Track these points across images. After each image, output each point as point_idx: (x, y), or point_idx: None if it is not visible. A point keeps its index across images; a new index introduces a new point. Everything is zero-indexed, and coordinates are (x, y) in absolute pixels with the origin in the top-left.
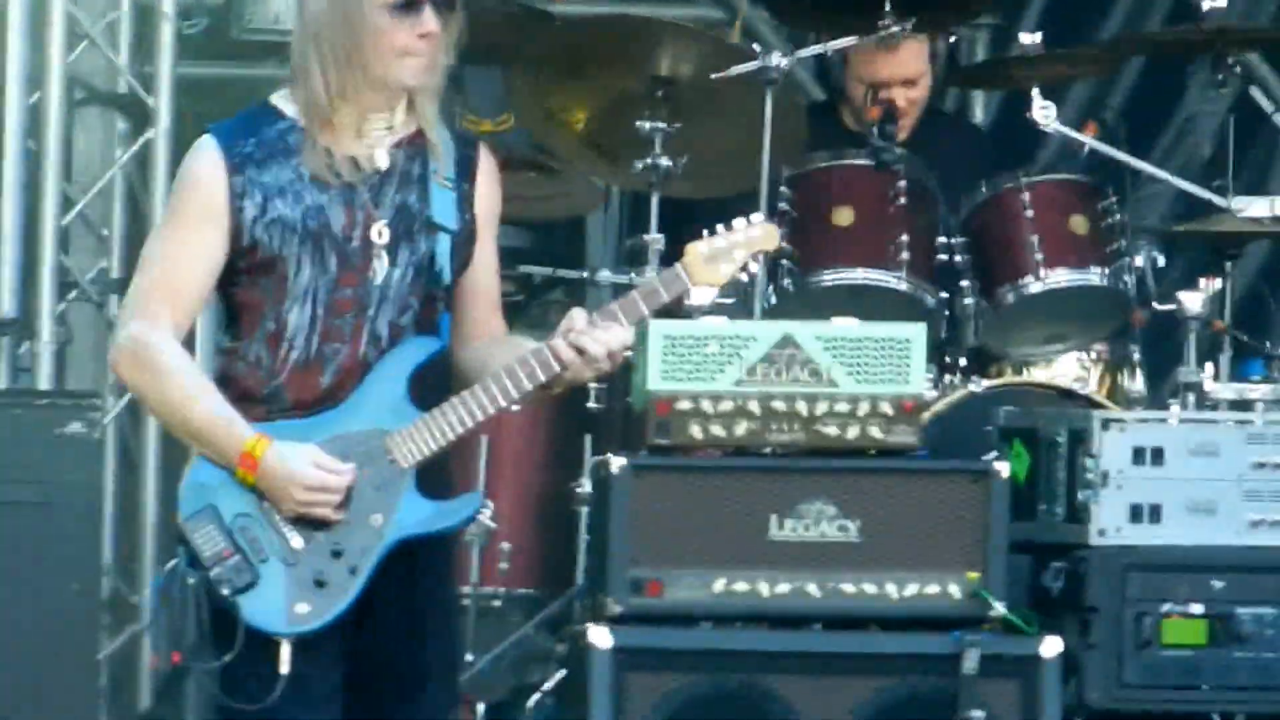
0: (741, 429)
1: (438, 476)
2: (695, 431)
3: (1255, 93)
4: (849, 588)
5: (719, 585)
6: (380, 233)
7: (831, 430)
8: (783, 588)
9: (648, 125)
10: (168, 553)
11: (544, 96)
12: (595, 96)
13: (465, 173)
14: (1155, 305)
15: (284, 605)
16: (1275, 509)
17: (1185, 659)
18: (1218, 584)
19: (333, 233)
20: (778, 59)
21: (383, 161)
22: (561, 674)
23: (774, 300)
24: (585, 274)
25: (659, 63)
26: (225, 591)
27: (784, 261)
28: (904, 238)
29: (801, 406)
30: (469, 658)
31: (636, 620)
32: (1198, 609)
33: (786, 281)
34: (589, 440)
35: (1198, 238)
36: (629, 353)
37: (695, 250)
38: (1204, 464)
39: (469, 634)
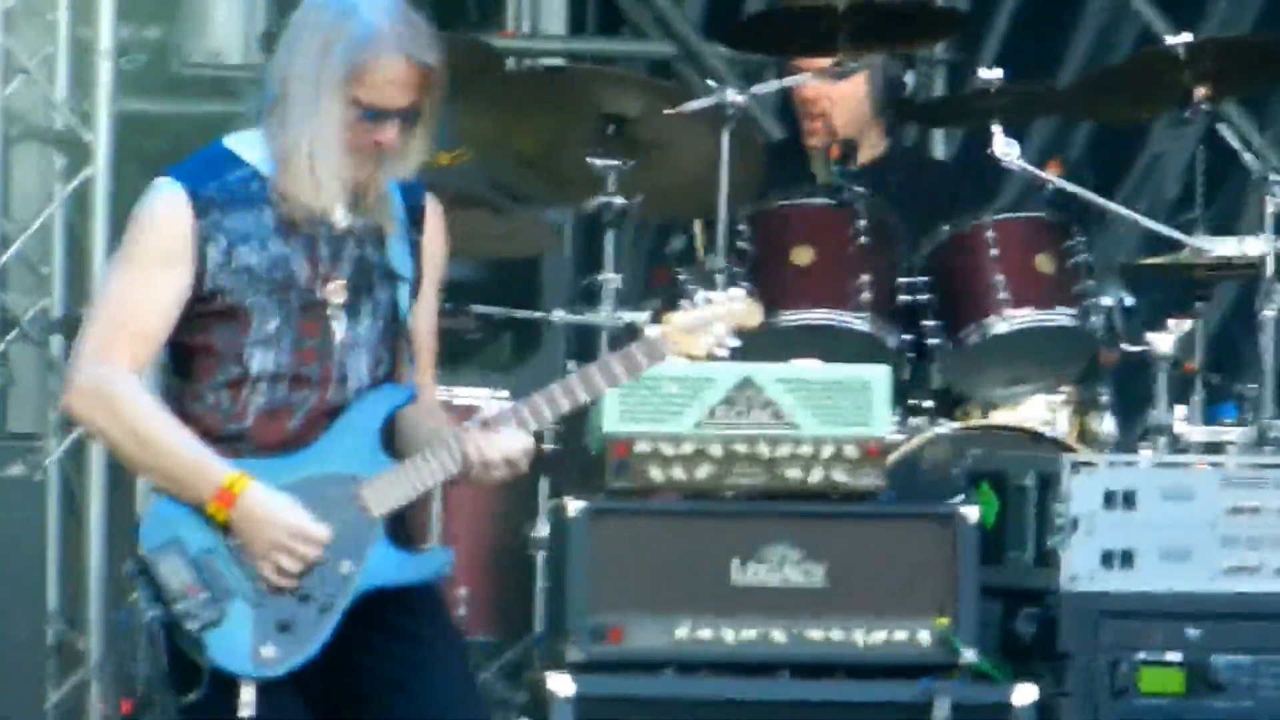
0: (702, 472)
1: (406, 526)
2: (655, 474)
3: (1223, 130)
4: (815, 634)
5: (682, 631)
6: (338, 290)
7: (794, 473)
8: (747, 634)
9: (600, 163)
10: (114, 598)
11: (496, 131)
12: (546, 133)
13: (414, 221)
14: (1124, 346)
15: (250, 646)
16: (1252, 555)
17: (1162, 708)
18: (1194, 632)
19: (297, 284)
20: (733, 95)
21: (341, 219)
22: None
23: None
24: (540, 314)
25: (609, 101)
26: (192, 627)
27: None
28: (865, 277)
29: (763, 449)
30: None
31: (598, 668)
32: (1174, 657)
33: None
34: (546, 483)
35: (1166, 277)
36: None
37: (675, 320)
38: (1178, 508)
39: None
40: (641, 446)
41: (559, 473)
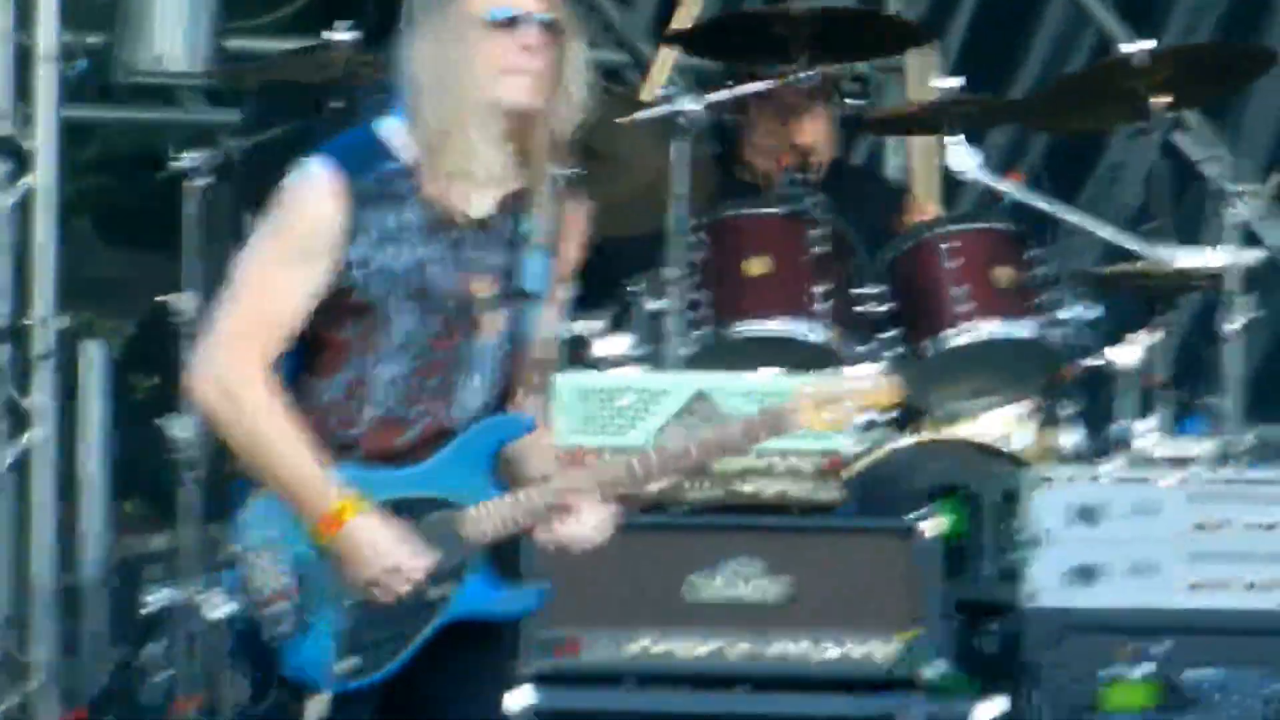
0: (657, 485)
1: (507, 560)
2: None
3: (1181, 141)
4: (775, 648)
5: (639, 645)
6: (479, 294)
7: (750, 487)
8: (705, 648)
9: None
10: (61, 611)
11: None
12: None
13: (556, 230)
14: (1086, 358)
15: (328, 658)
16: (1218, 570)
17: None
18: (1161, 647)
19: (435, 292)
20: (688, 104)
21: (482, 210)
22: None
23: (687, 351)
24: None
25: None
26: (274, 634)
27: (694, 312)
28: (821, 287)
29: (719, 462)
30: None
31: (555, 680)
32: (1141, 672)
33: (700, 332)
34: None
35: (1128, 289)
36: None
37: (804, 393)
38: (1143, 523)
39: None
40: (594, 459)
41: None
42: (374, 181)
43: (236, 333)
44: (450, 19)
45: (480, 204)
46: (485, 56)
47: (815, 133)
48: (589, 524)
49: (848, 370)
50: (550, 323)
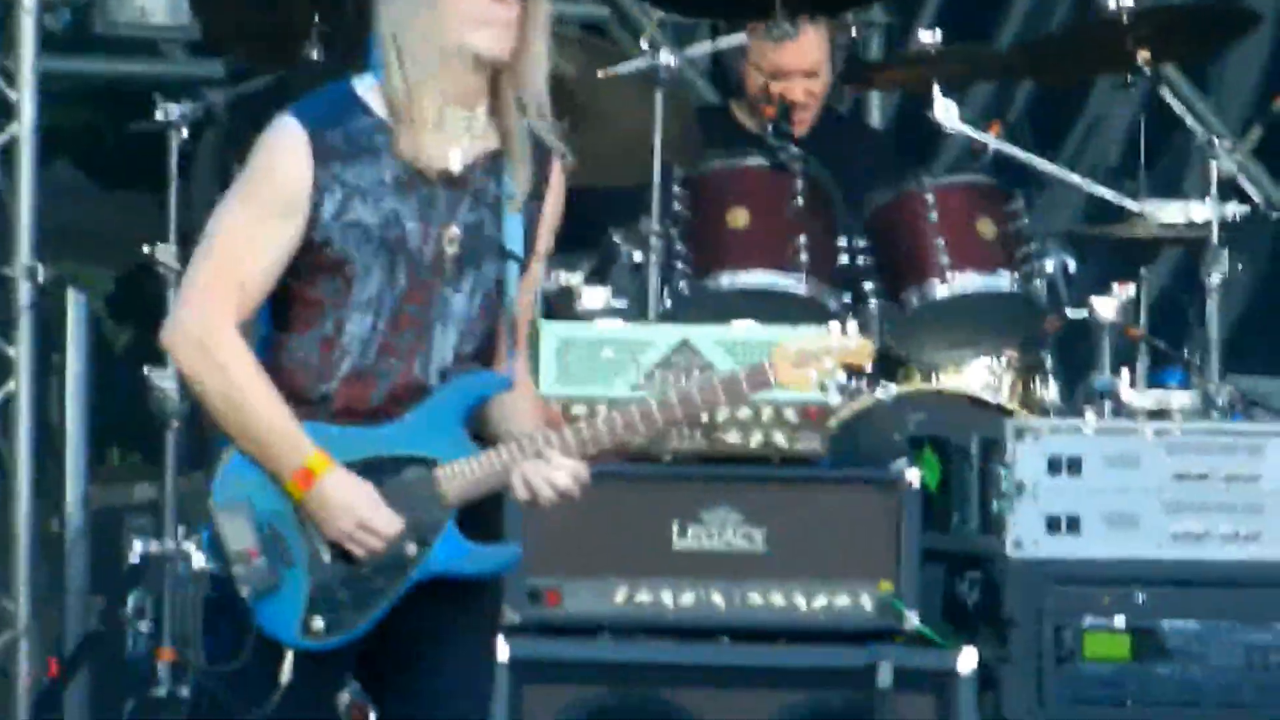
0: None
1: (481, 518)
2: None
3: (1166, 94)
4: (756, 599)
5: (620, 595)
6: (451, 248)
7: (733, 438)
8: (687, 598)
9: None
10: (42, 561)
11: None
12: None
13: (537, 191)
14: (1067, 311)
15: (300, 616)
16: (1197, 521)
17: (1108, 674)
18: (1141, 597)
19: (407, 245)
20: (666, 57)
21: (456, 164)
22: None
23: (669, 303)
24: None
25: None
26: (244, 593)
27: (679, 263)
28: (803, 239)
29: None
30: None
31: (535, 631)
32: (1120, 622)
33: (682, 284)
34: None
35: (1110, 242)
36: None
37: (784, 349)
38: (1123, 474)
39: None
40: (577, 410)
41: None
42: (345, 137)
43: (209, 288)
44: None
45: (454, 159)
46: (456, 6)
47: (813, 51)
48: (563, 481)
49: (827, 327)
50: (532, 282)
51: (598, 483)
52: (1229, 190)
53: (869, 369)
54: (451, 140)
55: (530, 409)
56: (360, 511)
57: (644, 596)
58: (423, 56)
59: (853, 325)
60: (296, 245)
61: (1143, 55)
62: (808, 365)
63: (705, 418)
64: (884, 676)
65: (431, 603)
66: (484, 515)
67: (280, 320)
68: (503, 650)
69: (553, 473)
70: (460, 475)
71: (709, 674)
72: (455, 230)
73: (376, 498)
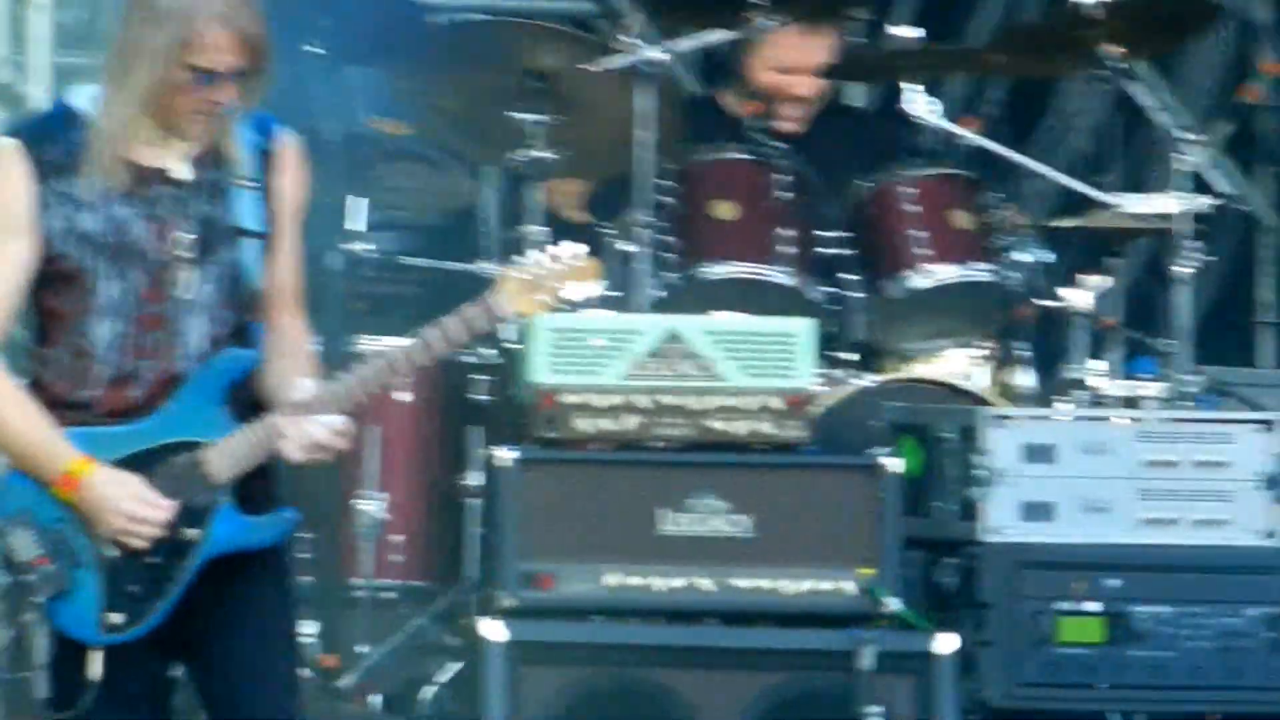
0: (629, 423)
1: (255, 490)
2: (582, 425)
3: (1133, 89)
4: (742, 583)
5: (611, 579)
6: (182, 245)
7: (719, 425)
8: (675, 582)
9: (524, 117)
10: None
11: (424, 90)
12: (472, 89)
13: (265, 168)
14: (1041, 301)
15: (96, 613)
16: (1169, 507)
17: (1082, 657)
18: (1114, 582)
19: (136, 248)
20: (652, 51)
21: (183, 173)
22: (457, 666)
23: (658, 294)
24: (464, 266)
25: (533, 57)
26: (38, 599)
27: (667, 254)
28: (787, 231)
29: (689, 401)
30: (365, 649)
31: (529, 614)
32: (1094, 607)
33: (670, 275)
34: (477, 433)
35: (1082, 233)
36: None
37: (510, 278)
38: (1096, 461)
39: (363, 626)
40: (570, 398)
41: (490, 422)
42: (64, 150)
43: None
44: (158, 53)
45: (177, 160)
46: (181, 95)
47: (825, 52)
48: (320, 434)
49: (553, 250)
50: (286, 255)
51: (588, 469)
52: (1196, 183)
53: (599, 286)
54: (174, 155)
55: (302, 360)
56: (124, 505)
57: (634, 580)
58: (145, 108)
59: (576, 246)
60: (34, 261)
61: (1111, 50)
62: (535, 291)
63: (692, 404)
64: (864, 659)
65: (228, 574)
66: (258, 485)
67: (38, 334)
68: (500, 632)
69: (310, 427)
70: (225, 453)
71: (697, 655)
72: (186, 225)
73: (140, 489)
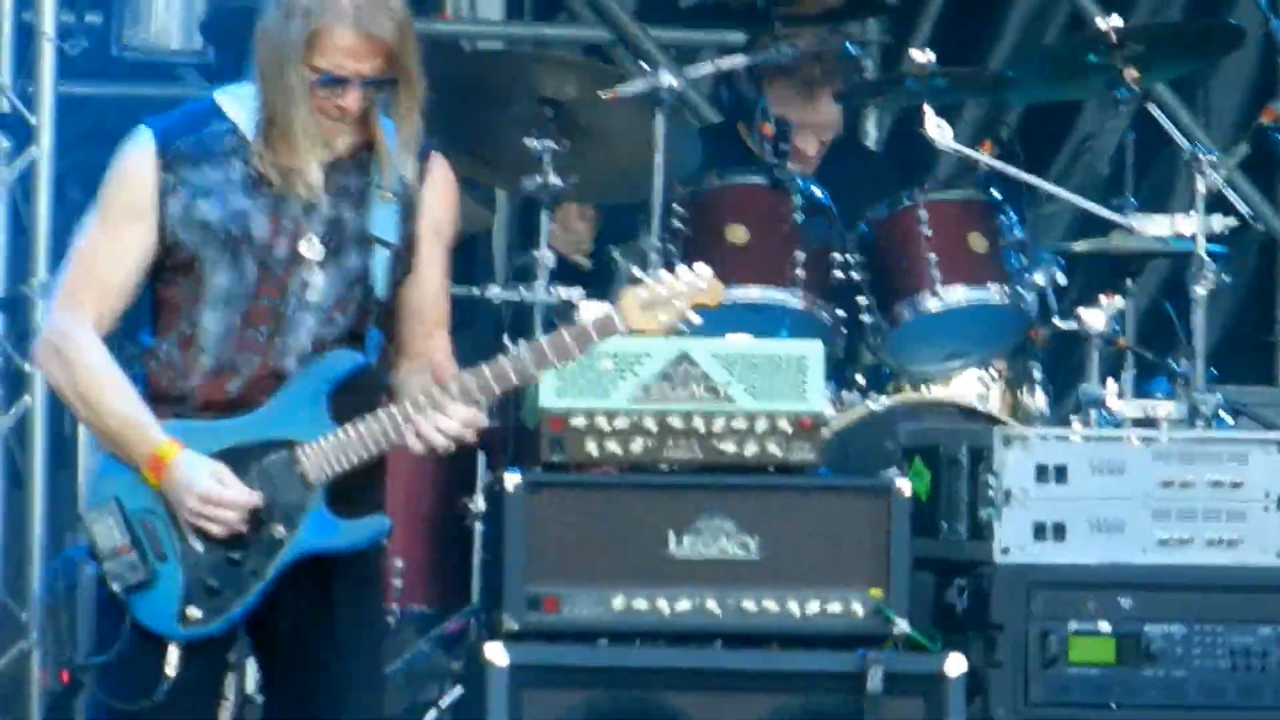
0: (637, 446)
1: (350, 493)
2: (590, 448)
3: (1154, 110)
4: (750, 605)
5: (617, 602)
6: (309, 245)
7: (729, 447)
8: (683, 605)
9: (536, 144)
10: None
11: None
12: (485, 116)
13: (414, 185)
14: (1056, 322)
15: (176, 607)
16: (1183, 527)
17: (1093, 678)
18: (1126, 602)
19: (254, 240)
20: (667, 79)
21: (316, 176)
22: (459, 691)
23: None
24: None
25: (545, 85)
26: (116, 588)
27: None
28: (799, 255)
29: (699, 423)
30: None
31: (534, 637)
32: (1105, 627)
33: None
34: (482, 456)
35: (1099, 256)
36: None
37: (632, 294)
38: (1109, 482)
39: None
40: (577, 421)
41: (496, 446)
42: (196, 142)
43: (70, 295)
44: (288, 50)
45: (315, 160)
46: (309, 99)
47: (829, 109)
48: (454, 427)
49: (677, 270)
50: (427, 274)
51: (595, 492)
52: (1216, 204)
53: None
54: (310, 149)
55: (441, 375)
56: (201, 486)
57: (641, 603)
58: (279, 114)
59: (703, 266)
60: (151, 248)
61: (1131, 73)
62: (656, 309)
63: (702, 426)
64: (874, 681)
65: (315, 577)
66: (351, 489)
67: (153, 326)
68: (503, 656)
69: (442, 420)
70: (320, 453)
71: (704, 678)
72: (312, 225)
73: (223, 473)
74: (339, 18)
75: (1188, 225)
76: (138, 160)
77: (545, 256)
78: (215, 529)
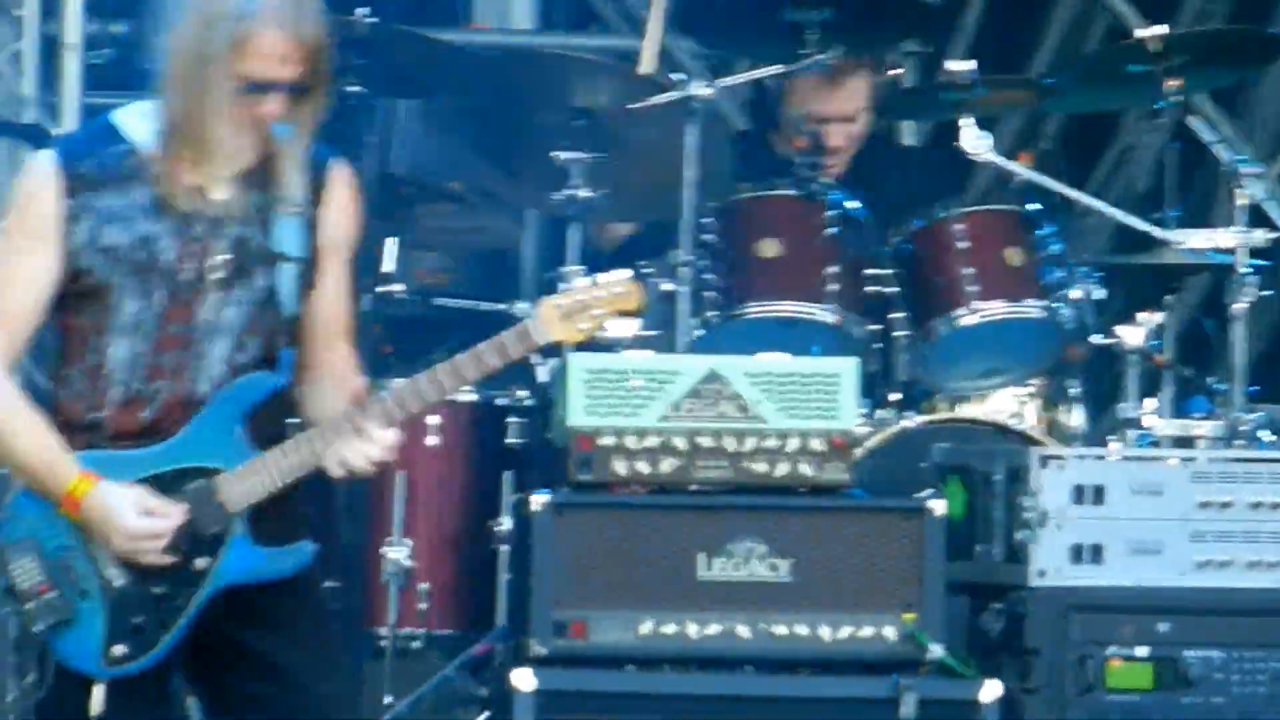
0: (667, 465)
1: (272, 521)
2: (619, 468)
3: (1194, 123)
4: (781, 629)
5: (646, 626)
6: (214, 267)
7: (760, 467)
8: (712, 629)
9: (565, 156)
10: None
11: (464, 128)
12: (515, 127)
13: (314, 196)
14: (1094, 339)
15: (100, 645)
16: (1222, 549)
17: (1131, 704)
18: (1164, 626)
19: (161, 265)
20: (700, 88)
21: (221, 193)
22: (484, 717)
23: (699, 333)
24: (503, 306)
25: (576, 94)
26: (39, 628)
27: (708, 293)
28: (832, 269)
29: (729, 442)
30: (390, 700)
31: (561, 662)
32: (1143, 652)
33: (712, 314)
34: (509, 477)
35: (1137, 270)
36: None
37: (551, 304)
38: (1147, 503)
39: (389, 676)
40: (606, 440)
41: (522, 465)
42: (97, 165)
43: None
44: (209, 59)
45: (218, 178)
46: (229, 109)
47: (854, 99)
48: (376, 452)
49: (597, 277)
50: (331, 286)
51: (624, 513)
52: (1257, 218)
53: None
54: (217, 165)
55: (337, 392)
56: (127, 519)
57: (670, 627)
58: (191, 125)
59: (622, 270)
60: (57, 275)
61: (1172, 83)
62: (575, 318)
63: (732, 446)
64: (908, 707)
65: (249, 605)
66: (275, 515)
67: (59, 355)
68: (529, 682)
69: (365, 446)
70: (240, 480)
71: (735, 705)
72: (219, 246)
73: (145, 499)
74: (267, 22)
75: (1228, 239)
76: (41, 184)
77: (575, 273)
78: (149, 558)
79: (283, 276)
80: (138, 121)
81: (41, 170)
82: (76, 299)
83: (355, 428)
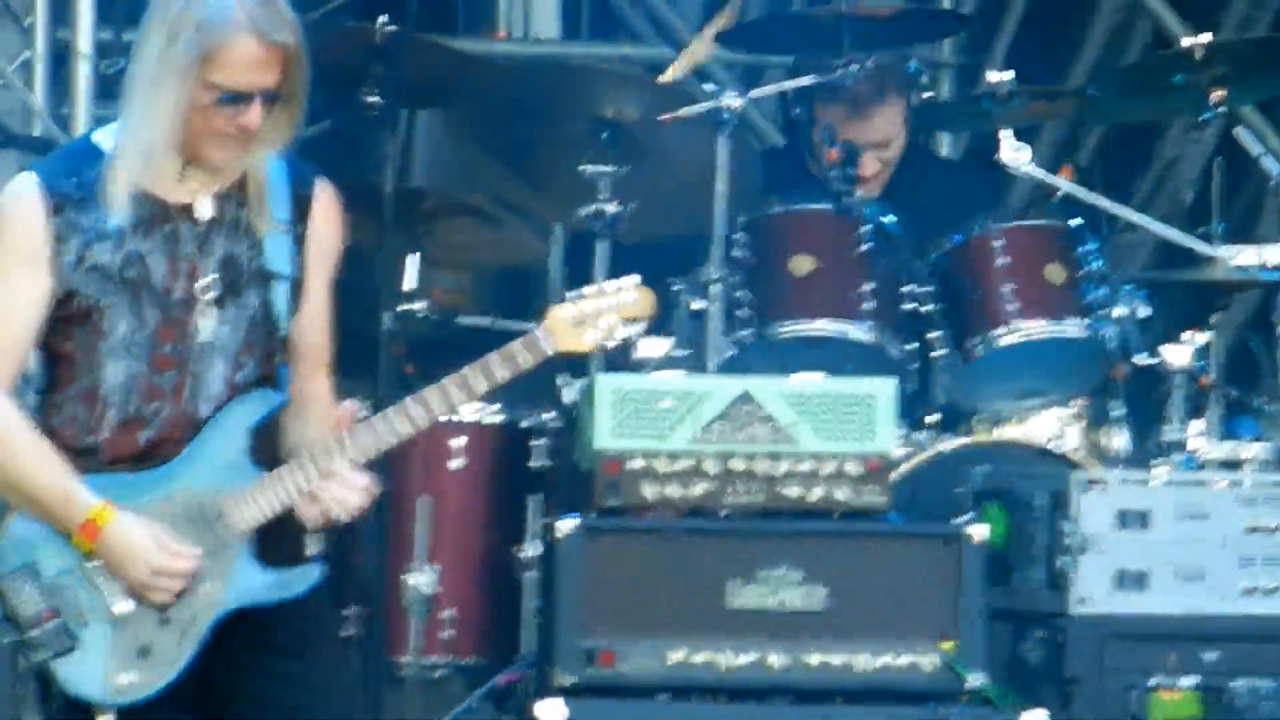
0: (698, 489)
1: (278, 543)
2: (648, 492)
3: (1240, 134)
4: (814, 659)
5: (675, 655)
6: (205, 286)
7: (793, 491)
8: (743, 658)
9: (591, 169)
10: None
11: (487, 139)
12: (540, 139)
13: (300, 213)
14: (1137, 359)
15: (104, 674)
16: (1270, 575)
17: None
18: (1210, 655)
19: (152, 285)
20: (730, 99)
21: (206, 211)
22: None
23: (730, 353)
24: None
25: (602, 104)
26: (41, 657)
27: (740, 311)
28: (868, 286)
29: (761, 466)
30: None
31: (589, 692)
32: (1189, 681)
33: (744, 333)
34: (535, 501)
35: (1182, 288)
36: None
37: (559, 314)
38: (1193, 528)
39: (412, 705)
40: (635, 463)
41: (549, 490)
42: (79, 185)
43: None
44: (175, 71)
45: (201, 194)
46: (205, 119)
47: (885, 126)
48: (355, 500)
49: (604, 285)
50: (314, 307)
51: (653, 538)
52: None
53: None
54: (198, 190)
55: (328, 415)
56: (150, 556)
57: (700, 656)
58: (166, 138)
59: (631, 277)
60: (47, 298)
61: (1217, 94)
62: (584, 326)
63: (765, 469)
64: None
65: (254, 626)
66: (279, 537)
67: (48, 380)
68: (557, 712)
69: (345, 493)
70: (245, 502)
71: None
72: (208, 264)
73: (164, 537)
74: (240, 29)
75: (1277, 255)
76: (25, 206)
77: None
78: (160, 598)
79: (276, 294)
80: (117, 139)
81: (23, 191)
82: (64, 324)
83: (330, 471)
